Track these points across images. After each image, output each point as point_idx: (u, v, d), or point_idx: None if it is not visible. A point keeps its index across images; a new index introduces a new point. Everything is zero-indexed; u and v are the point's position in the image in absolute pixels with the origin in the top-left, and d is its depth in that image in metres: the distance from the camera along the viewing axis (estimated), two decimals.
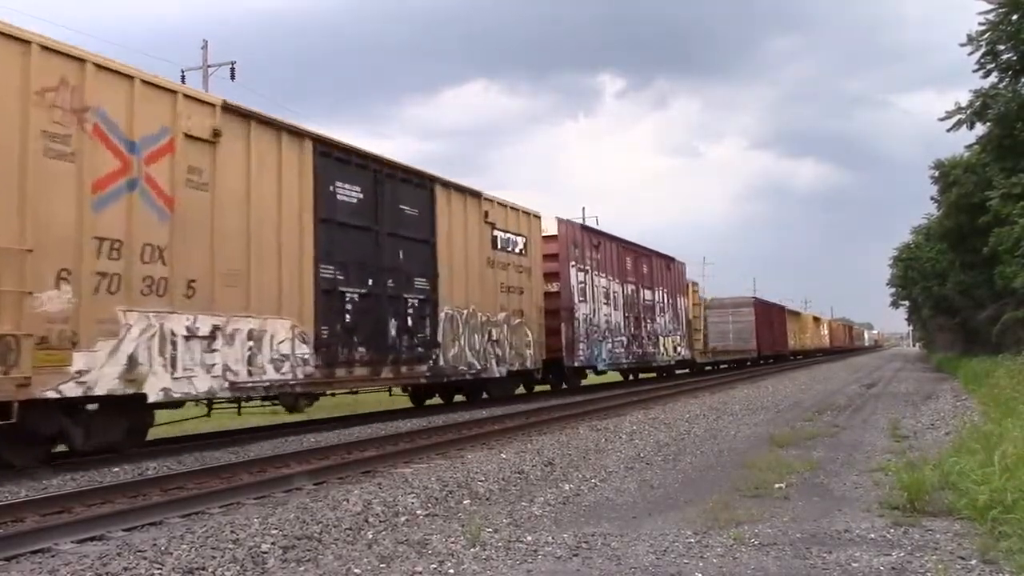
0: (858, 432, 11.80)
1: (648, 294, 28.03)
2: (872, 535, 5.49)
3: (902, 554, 4.98)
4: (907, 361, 54.54)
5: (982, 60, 20.93)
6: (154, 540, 5.62)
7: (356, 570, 4.98)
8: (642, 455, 9.77)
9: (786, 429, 12.09)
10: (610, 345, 24.13)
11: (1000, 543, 4.95)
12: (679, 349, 31.48)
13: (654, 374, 31.98)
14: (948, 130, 22.05)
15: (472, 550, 5.32)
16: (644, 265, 27.93)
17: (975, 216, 25.17)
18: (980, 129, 22.53)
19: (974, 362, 26.88)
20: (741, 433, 11.98)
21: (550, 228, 21.27)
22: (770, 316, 49.23)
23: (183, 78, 32.77)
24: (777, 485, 7.41)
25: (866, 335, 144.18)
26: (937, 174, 30.57)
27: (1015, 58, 20.63)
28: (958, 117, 21.91)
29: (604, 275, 23.94)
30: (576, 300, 21.54)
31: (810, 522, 5.93)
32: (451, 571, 4.91)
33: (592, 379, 26.71)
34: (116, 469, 9.31)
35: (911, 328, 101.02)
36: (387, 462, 9.38)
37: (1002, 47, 20.61)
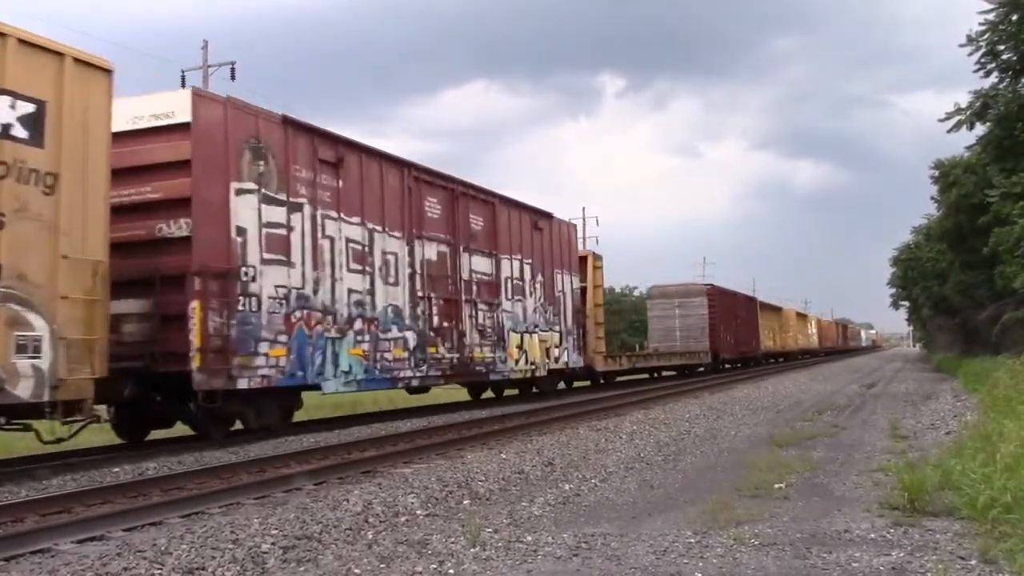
0: (858, 432, 11.80)
1: (484, 263, 17.54)
2: (872, 535, 5.49)
3: (902, 554, 4.98)
4: (907, 361, 54.57)
5: (982, 60, 20.92)
6: (154, 540, 5.62)
7: (356, 570, 4.98)
8: (642, 455, 9.78)
9: (786, 429, 12.09)
10: (367, 346, 13.67)
11: (1000, 543, 4.95)
12: (559, 352, 20.95)
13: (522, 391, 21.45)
14: (948, 131, 22.04)
15: (472, 550, 5.32)
16: (477, 216, 17.38)
17: (975, 216, 25.16)
18: (980, 129, 22.52)
19: (974, 362, 26.88)
20: (741, 433, 11.98)
21: (178, 111, 11.01)
22: (733, 309, 39.67)
23: (183, 79, 32.82)
24: (777, 485, 7.42)
25: (863, 335, 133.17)
26: (937, 174, 30.55)
27: (1015, 58, 20.62)
28: (958, 118, 21.88)
29: (359, 219, 13.55)
30: (255, 256, 11.58)
31: (810, 522, 5.93)
32: (451, 571, 4.91)
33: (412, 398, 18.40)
34: (116, 469, 9.31)
35: (911, 328, 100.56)
36: (387, 462, 9.38)
37: (1002, 47, 20.59)
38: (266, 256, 11.83)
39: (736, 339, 39.17)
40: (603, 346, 25.12)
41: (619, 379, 28.37)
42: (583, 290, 23.80)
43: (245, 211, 11.53)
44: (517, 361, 18.66)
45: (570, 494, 7.38)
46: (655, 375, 32.35)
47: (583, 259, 24.57)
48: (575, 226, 23.57)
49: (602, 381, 26.48)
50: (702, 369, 35.40)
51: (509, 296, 18.70)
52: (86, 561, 5.14)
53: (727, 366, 38.75)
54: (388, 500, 6.99)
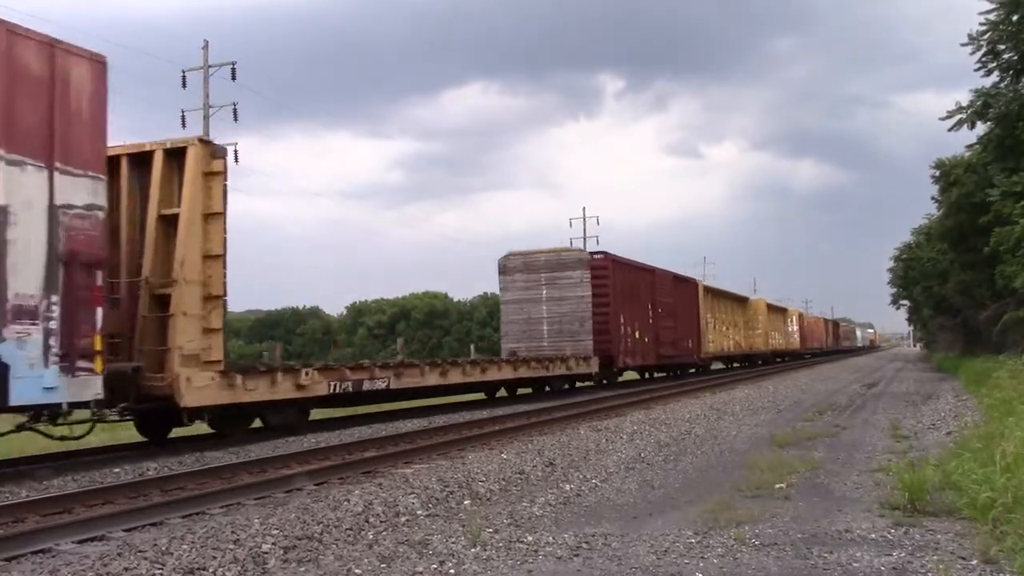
0: (859, 432, 11.80)
1: None
2: (873, 535, 5.49)
3: (903, 554, 4.98)
4: (908, 361, 54.56)
5: (983, 59, 20.93)
6: (155, 540, 5.62)
7: (357, 570, 4.98)
8: (643, 455, 9.78)
9: (787, 429, 12.08)
10: None
11: (1001, 543, 4.94)
12: None
13: None
14: (949, 129, 22.06)
15: (473, 550, 5.32)
16: None
17: (976, 215, 25.15)
18: (981, 128, 22.53)
19: (975, 362, 26.87)
20: (742, 433, 11.98)
21: None
22: (648, 293, 26.88)
23: (184, 79, 32.83)
24: (778, 485, 7.41)
25: (859, 333, 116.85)
26: (938, 174, 30.57)
27: (1016, 57, 20.63)
28: (959, 117, 21.89)
29: None
30: None
31: (811, 522, 5.93)
32: (452, 571, 4.91)
33: None
34: (117, 470, 9.32)
35: (911, 328, 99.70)
36: (388, 462, 9.39)
37: (1003, 47, 20.60)
38: None
39: (655, 337, 27.00)
40: (219, 346, 11.42)
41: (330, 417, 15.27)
42: (136, 218, 11.41)
43: None
44: None
45: (571, 494, 7.38)
46: (517, 395, 21.01)
47: (175, 154, 11.43)
48: (102, 60, 9.56)
49: (225, 433, 12.04)
50: (591, 383, 23.86)
51: None
52: (87, 561, 5.14)
53: (653, 376, 29.59)
54: (389, 500, 6.99)
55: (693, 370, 33.55)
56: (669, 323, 28.64)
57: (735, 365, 42.19)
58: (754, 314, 44.69)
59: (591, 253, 24.96)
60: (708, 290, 36.33)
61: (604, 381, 24.44)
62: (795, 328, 56.61)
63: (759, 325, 45.08)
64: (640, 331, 25.96)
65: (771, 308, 49.93)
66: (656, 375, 30.56)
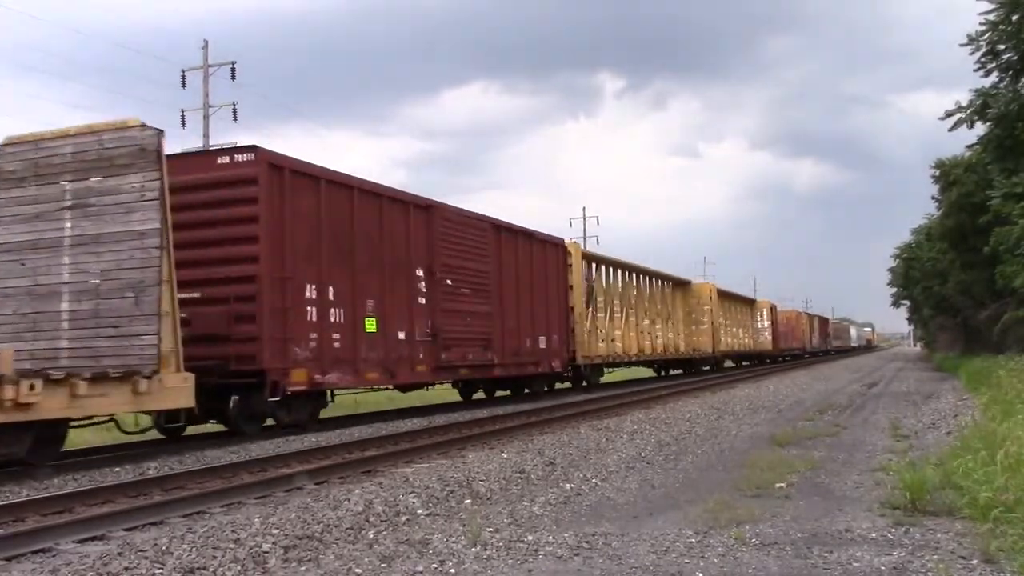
0: (859, 431, 11.80)
1: None
2: (873, 535, 5.48)
3: (903, 554, 4.98)
4: (908, 361, 54.52)
5: (982, 60, 20.92)
6: (155, 540, 5.62)
7: (357, 570, 4.98)
8: (643, 454, 9.78)
9: (787, 428, 12.08)
10: None
11: (1002, 542, 4.94)
12: None
13: None
14: (949, 129, 22.04)
15: (473, 550, 5.32)
16: None
17: (976, 215, 25.17)
18: (980, 128, 22.52)
19: (975, 362, 26.87)
20: (742, 432, 11.98)
21: None
22: (417, 247, 15.02)
23: (184, 79, 32.86)
24: (778, 484, 7.42)
25: (853, 332, 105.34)
26: (938, 173, 30.58)
27: (1015, 58, 20.62)
28: (958, 116, 21.89)
29: None
30: None
31: (811, 522, 5.93)
32: (452, 571, 4.91)
33: None
34: (117, 469, 9.33)
35: (912, 328, 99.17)
36: (388, 462, 9.39)
37: (1002, 47, 20.60)
38: None
39: (430, 329, 15.34)
40: None
41: None
42: None
43: None
44: None
45: (571, 493, 7.38)
46: None
47: None
48: None
49: None
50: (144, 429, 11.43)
51: None
52: (87, 561, 5.14)
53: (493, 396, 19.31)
54: (389, 500, 6.99)
55: (565, 384, 22.50)
56: (479, 307, 17.14)
57: (673, 372, 32.77)
58: (697, 304, 33.84)
59: (217, 151, 13.80)
60: (599, 261, 24.87)
61: (282, 420, 12.44)
62: (766, 324, 47.08)
63: (704, 318, 34.11)
64: (382, 318, 14.11)
65: (725, 296, 38.54)
66: (496, 396, 19.73)
